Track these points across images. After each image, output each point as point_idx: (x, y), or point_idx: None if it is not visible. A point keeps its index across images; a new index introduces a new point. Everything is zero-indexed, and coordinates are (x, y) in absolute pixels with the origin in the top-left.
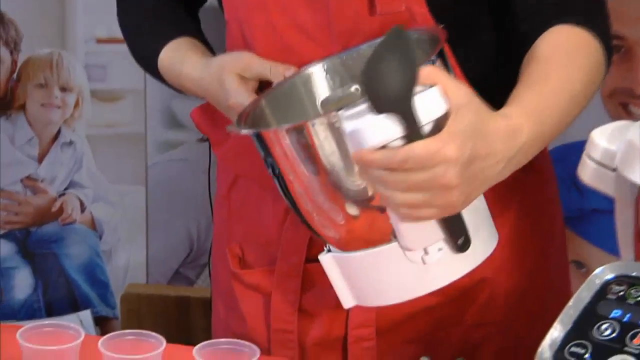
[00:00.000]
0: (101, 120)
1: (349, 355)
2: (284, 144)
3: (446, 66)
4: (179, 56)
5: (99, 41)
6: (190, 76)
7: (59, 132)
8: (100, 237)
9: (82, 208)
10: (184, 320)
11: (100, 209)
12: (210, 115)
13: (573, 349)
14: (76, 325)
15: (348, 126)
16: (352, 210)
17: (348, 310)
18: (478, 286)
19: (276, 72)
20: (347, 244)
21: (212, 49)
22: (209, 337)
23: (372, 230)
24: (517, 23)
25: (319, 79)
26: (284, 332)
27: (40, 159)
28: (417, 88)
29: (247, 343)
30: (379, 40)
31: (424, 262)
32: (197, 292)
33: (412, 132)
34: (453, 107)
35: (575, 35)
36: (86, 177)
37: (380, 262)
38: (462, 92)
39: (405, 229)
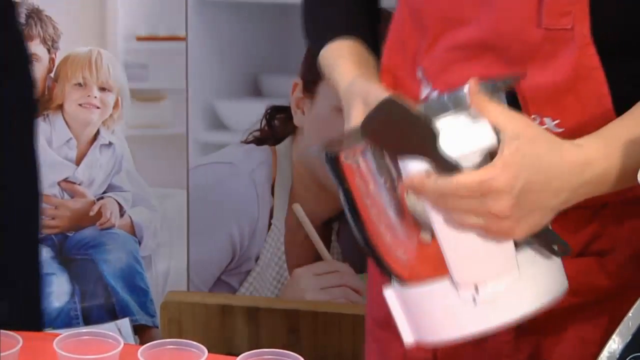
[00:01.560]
0: (141, 121)
1: None
2: (360, 164)
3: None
4: (332, 62)
5: (139, 39)
6: (337, 86)
7: (97, 133)
8: (140, 243)
9: (121, 212)
10: (226, 330)
11: (140, 214)
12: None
13: None
14: (115, 334)
15: None
16: (426, 235)
17: None
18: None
19: None
20: (417, 273)
21: (376, 48)
22: (252, 347)
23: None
24: None
25: None
26: None
27: (78, 161)
28: (465, 118)
29: (292, 354)
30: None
31: (474, 301)
32: (240, 301)
33: (445, 170)
34: (506, 138)
35: None
36: (125, 180)
37: (434, 298)
38: (514, 123)
39: (455, 261)
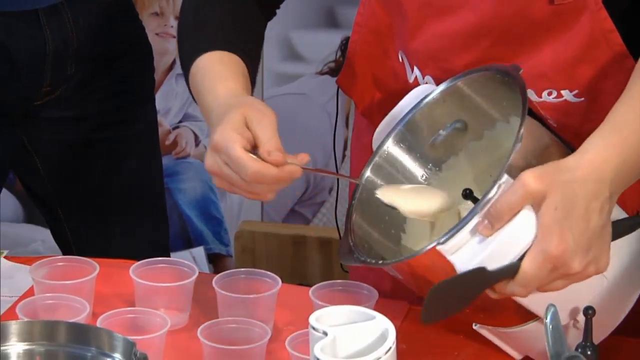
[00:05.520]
0: None
1: None
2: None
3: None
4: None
5: None
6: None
7: (173, 62)
8: None
9: (197, 142)
10: (299, 260)
11: None
12: (352, 79)
13: None
14: (190, 263)
15: (455, 262)
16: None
17: None
18: None
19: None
20: (503, 322)
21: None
22: (325, 278)
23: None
24: None
25: (396, 152)
26: None
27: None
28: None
29: (365, 285)
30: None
31: (575, 327)
32: (313, 231)
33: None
34: (537, 208)
35: None
36: None
37: (529, 335)
38: (531, 187)
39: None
